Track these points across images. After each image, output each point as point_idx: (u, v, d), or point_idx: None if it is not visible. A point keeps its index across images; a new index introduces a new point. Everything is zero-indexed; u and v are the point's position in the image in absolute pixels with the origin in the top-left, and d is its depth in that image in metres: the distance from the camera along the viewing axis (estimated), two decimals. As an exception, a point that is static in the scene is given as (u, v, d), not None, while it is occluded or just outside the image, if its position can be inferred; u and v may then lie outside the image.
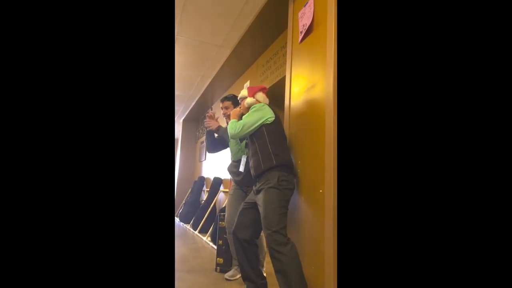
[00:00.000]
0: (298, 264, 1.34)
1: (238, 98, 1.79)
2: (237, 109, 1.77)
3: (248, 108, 1.69)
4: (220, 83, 4.00)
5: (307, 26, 1.70)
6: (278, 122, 1.61)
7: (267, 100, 1.73)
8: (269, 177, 1.45)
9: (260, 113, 1.56)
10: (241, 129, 1.54)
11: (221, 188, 3.98)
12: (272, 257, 1.36)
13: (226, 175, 3.86)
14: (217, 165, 4.34)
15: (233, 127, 1.56)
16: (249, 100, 1.68)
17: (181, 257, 2.51)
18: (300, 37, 1.78)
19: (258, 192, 1.51)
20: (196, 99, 4.76)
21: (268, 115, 1.57)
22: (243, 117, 1.61)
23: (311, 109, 1.59)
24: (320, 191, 1.40)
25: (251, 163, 1.58)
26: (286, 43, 2.29)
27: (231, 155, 1.81)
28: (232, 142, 1.87)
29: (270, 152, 1.49)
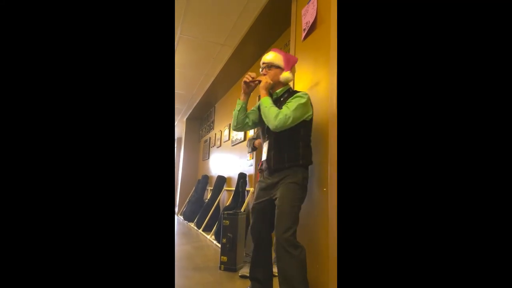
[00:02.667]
0: (305, 269, 1.27)
1: (263, 63, 1.45)
2: (267, 80, 1.41)
3: (282, 83, 1.43)
4: (223, 82, 4.00)
5: (310, 24, 1.69)
6: (312, 119, 1.44)
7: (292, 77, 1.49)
8: (292, 172, 1.34)
9: (306, 108, 1.35)
10: (291, 122, 1.30)
11: (225, 186, 3.99)
12: (280, 257, 1.26)
13: (229, 173, 3.87)
14: (220, 163, 4.35)
15: (281, 118, 1.29)
16: (288, 75, 1.41)
17: (185, 255, 2.53)
18: (303, 35, 1.77)
19: (275, 185, 1.38)
20: (200, 98, 4.77)
21: (310, 111, 1.39)
22: (290, 107, 1.31)
23: (315, 106, 1.58)
24: (324, 189, 1.40)
25: (271, 153, 1.41)
26: (289, 40, 2.28)
27: (234, 125, 1.52)
28: (241, 111, 1.50)
29: (299, 152, 1.36)
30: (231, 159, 3.86)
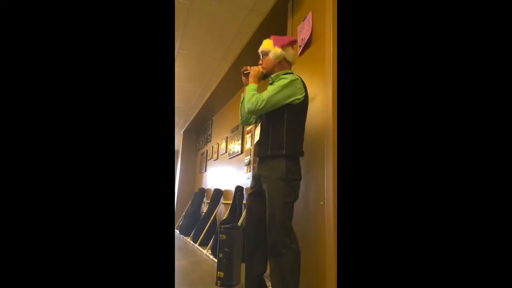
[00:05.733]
0: (298, 272, 1.22)
1: (259, 51, 1.41)
2: (259, 68, 1.39)
3: (273, 65, 1.35)
4: (220, 95, 4.04)
5: (305, 40, 1.73)
6: (304, 104, 1.32)
7: (295, 59, 1.44)
8: (275, 164, 1.25)
9: (289, 90, 1.25)
10: (263, 106, 1.24)
11: (222, 199, 3.96)
12: (273, 259, 1.23)
13: (226, 187, 3.85)
14: (217, 176, 4.33)
15: (253, 101, 1.25)
16: (278, 51, 1.33)
17: (181, 271, 2.48)
18: (299, 51, 1.81)
19: (260, 177, 1.32)
20: (197, 111, 4.80)
21: (297, 94, 1.27)
22: (269, 88, 1.29)
23: (311, 121, 1.60)
24: (321, 203, 1.40)
25: (260, 142, 1.36)
26: (285, 56, 2.32)
27: (240, 120, 1.51)
28: (243, 104, 1.49)
29: (283, 140, 1.26)
30: (228, 172, 3.85)
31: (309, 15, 1.73)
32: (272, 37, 1.39)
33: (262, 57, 1.40)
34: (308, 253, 1.46)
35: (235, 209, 3.18)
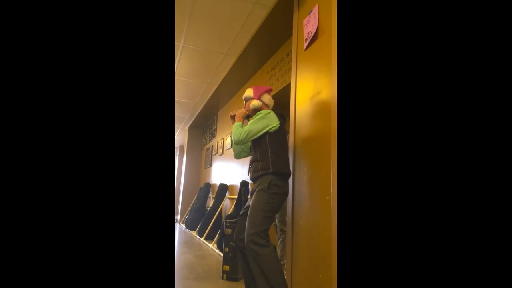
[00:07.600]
0: (276, 268, 1.37)
1: (243, 98, 1.78)
2: (242, 110, 1.75)
3: (253, 110, 1.70)
4: (225, 90, 4.03)
5: (312, 34, 1.72)
6: (281, 129, 1.63)
7: (272, 102, 1.76)
8: (262, 180, 1.51)
9: (265, 121, 1.58)
10: (246, 136, 1.56)
11: (227, 194, 3.98)
12: (250, 258, 1.41)
13: (232, 181, 3.87)
14: (223, 171, 4.35)
15: (237, 133, 1.59)
16: (255, 103, 1.69)
17: (187, 265, 2.51)
18: (305, 45, 1.79)
19: (252, 194, 1.57)
20: (202, 106, 4.81)
21: (273, 123, 1.59)
22: (249, 123, 1.62)
23: (316, 116, 1.59)
24: (327, 198, 1.40)
25: (251, 168, 1.63)
26: (291, 50, 2.31)
27: (234, 155, 1.86)
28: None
29: (269, 161, 1.54)
30: (233, 167, 3.87)
31: (315, 9, 1.71)
32: (253, 87, 1.75)
33: (246, 101, 1.76)
34: (313, 248, 1.47)
35: (240, 204, 3.20)
